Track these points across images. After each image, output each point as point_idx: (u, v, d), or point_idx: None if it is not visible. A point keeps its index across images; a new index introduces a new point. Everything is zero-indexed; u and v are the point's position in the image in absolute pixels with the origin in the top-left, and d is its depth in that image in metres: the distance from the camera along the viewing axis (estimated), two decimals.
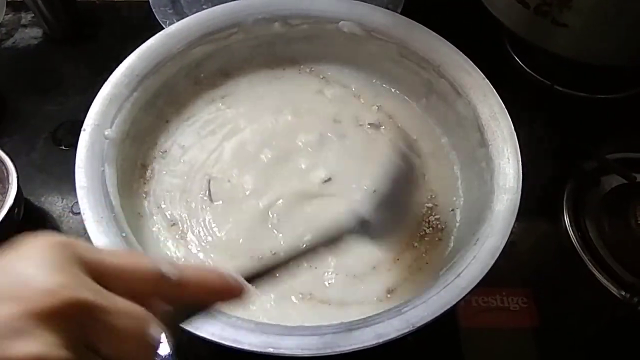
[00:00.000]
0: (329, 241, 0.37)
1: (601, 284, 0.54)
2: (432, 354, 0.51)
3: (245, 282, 0.28)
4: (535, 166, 0.47)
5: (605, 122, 0.67)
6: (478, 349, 0.52)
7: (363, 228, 0.40)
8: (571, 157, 0.62)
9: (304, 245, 0.36)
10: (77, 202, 0.61)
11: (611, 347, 0.53)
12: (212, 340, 0.37)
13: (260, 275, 0.32)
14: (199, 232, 0.49)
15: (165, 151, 0.54)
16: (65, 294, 0.21)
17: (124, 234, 0.41)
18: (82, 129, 0.46)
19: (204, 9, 0.56)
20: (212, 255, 0.48)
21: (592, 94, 0.67)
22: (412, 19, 0.56)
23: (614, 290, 0.53)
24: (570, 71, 0.66)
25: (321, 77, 0.60)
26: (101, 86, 0.50)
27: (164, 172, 0.52)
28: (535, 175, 0.47)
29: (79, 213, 0.60)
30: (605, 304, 0.54)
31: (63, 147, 0.65)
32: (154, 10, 0.70)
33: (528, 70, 0.70)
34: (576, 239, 0.57)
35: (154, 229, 0.49)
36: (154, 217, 0.49)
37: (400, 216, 0.47)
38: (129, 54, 0.52)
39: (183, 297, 0.26)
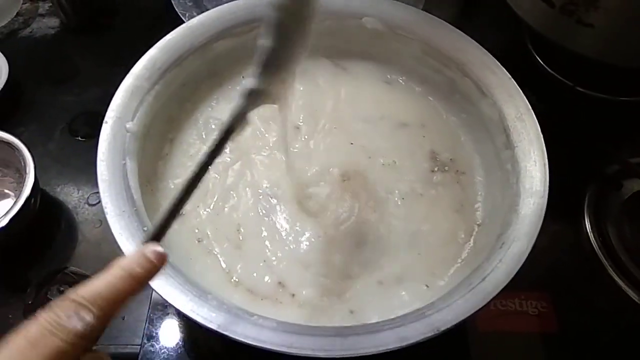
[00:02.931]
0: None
1: (621, 289, 0.53)
2: (445, 357, 0.51)
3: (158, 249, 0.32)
4: (556, 169, 0.46)
5: (627, 124, 0.66)
6: (495, 353, 0.51)
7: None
8: (592, 160, 0.61)
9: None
10: (93, 193, 0.61)
11: (630, 353, 0.52)
12: (235, 339, 0.36)
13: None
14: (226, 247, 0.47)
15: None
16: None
17: (145, 229, 0.41)
18: (104, 121, 0.45)
19: (224, 2, 0.56)
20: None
21: (615, 96, 0.66)
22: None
23: (634, 295, 0.53)
24: (593, 72, 0.65)
25: (342, 73, 0.59)
26: (117, 77, 0.49)
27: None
28: (556, 178, 0.46)
29: (95, 204, 0.61)
30: (625, 309, 0.53)
31: (79, 138, 0.65)
32: (173, 2, 0.69)
33: (549, 70, 0.69)
34: (597, 243, 0.56)
35: (175, 226, 0.47)
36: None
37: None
38: (146, 45, 0.51)
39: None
